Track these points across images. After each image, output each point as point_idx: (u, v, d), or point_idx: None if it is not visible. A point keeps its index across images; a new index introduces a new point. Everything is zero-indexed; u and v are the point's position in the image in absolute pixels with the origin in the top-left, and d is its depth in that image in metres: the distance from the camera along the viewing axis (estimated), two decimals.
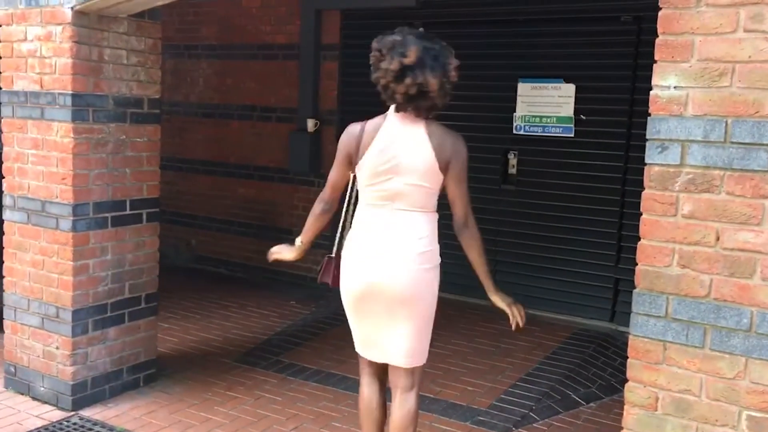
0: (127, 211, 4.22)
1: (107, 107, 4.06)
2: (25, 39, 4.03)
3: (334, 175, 3.11)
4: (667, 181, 2.42)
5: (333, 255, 3.20)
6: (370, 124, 2.99)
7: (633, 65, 5.52)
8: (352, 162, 3.01)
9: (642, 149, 2.53)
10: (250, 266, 7.28)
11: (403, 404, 3.02)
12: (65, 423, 3.94)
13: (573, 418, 4.25)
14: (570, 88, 5.72)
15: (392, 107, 2.95)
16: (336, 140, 3.12)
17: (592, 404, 4.45)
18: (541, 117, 5.88)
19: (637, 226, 2.49)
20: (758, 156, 2.27)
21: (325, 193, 3.14)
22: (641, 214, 2.48)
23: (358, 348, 3.15)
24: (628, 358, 2.54)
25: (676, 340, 2.43)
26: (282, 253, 3.30)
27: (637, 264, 2.49)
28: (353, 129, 3.02)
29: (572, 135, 5.75)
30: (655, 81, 2.43)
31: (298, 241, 3.23)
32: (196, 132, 7.71)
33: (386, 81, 2.85)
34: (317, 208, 3.16)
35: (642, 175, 2.48)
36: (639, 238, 2.48)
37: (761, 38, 2.25)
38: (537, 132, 5.91)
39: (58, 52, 3.90)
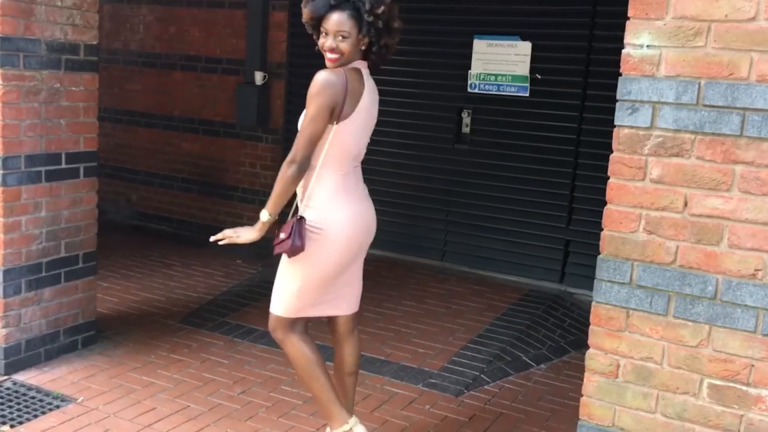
0: (63, 165, 3.98)
1: (39, 53, 3.78)
2: None
3: (314, 130, 2.77)
4: (636, 144, 2.34)
5: (299, 216, 2.83)
6: (351, 74, 2.80)
7: (590, 24, 5.44)
8: (332, 117, 2.78)
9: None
10: (195, 223, 7.05)
11: (356, 344, 3.21)
12: None
13: (524, 380, 4.24)
14: (526, 46, 5.61)
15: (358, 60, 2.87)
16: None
17: (542, 365, 4.45)
18: (496, 75, 5.76)
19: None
20: (730, 120, 2.21)
21: (298, 153, 2.77)
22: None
23: (307, 309, 3.01)
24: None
25: (639, 307, 2.38)
26: (241, 236, 2.86)
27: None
28: (338, 79, 2.75)
29: (527, 94, 5.66)
30: (627, 39, 2.33)
31: (266, 215, 2.81)
32: (137, 82, 7.35)
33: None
34: (291, 171, 2.77)
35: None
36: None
37: None
38: (492, 90, 5.80)
39: None
